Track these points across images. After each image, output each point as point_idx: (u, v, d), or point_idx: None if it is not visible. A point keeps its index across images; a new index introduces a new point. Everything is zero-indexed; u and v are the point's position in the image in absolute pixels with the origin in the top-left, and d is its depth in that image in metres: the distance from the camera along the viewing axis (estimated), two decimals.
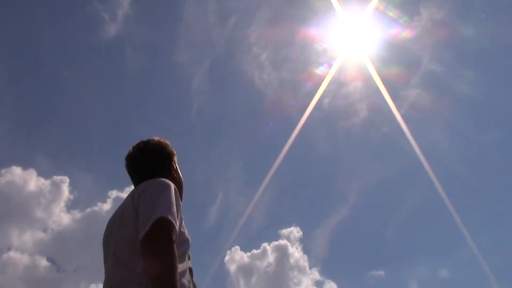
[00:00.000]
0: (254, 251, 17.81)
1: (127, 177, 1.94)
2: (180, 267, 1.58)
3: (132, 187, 1.91)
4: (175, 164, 1.98)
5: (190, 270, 1.70)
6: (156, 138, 1.97)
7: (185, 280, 1.62)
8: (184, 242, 1.68)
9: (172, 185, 1.69)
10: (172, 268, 1.46)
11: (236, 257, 17.63)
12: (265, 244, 17.86)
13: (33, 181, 17.38)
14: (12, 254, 16.35)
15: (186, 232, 1.71)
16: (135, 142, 1.95)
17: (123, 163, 1.94)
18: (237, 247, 17.77)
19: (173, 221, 1.54)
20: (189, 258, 1.70)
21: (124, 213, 1.71)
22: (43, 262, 16.72)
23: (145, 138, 1.97)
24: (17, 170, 17.12)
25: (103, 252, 1.78)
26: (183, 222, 1.70)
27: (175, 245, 1.52)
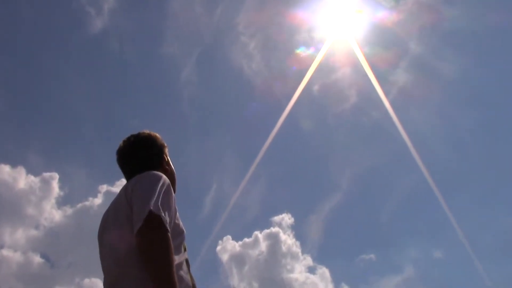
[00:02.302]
0: (246, 239, 17.91)
1: (117, 171, 1.93)
2: (177, 259, 1.58)
3: (123, 180, 1.90)
4: (166, 156, 1.97)
5: (187, 261, 1.70)
6: (146, 131, 1.96)
7: (182, 272, 1.62)
8: (179, 233, 1.68)
9: (165, 177, 1.69)
10: (168, 260, 1.46)
11: (228, 246, 17.72)
12: (256, 232, 17.97)
13: (22, 179, 17.25)
14: (5, 252, 16.28)
15: (181, 223, 1.71)
16: (125, 136, 1.94)
17: (112, 157, 1.93)
18: (229, 237, 17.86)
19: (162, 214, 1.52)
20: (185, 250, 1.70)
21: (117, 208, 1.70)
22: (37, 259, 16.69)
23: (135, 132, 1.96)
24: (5, 169, 16.98)
25: (99, 247, 1.77)
26: (177, 213, 1.70)
27: (170, 237, 1.52)
